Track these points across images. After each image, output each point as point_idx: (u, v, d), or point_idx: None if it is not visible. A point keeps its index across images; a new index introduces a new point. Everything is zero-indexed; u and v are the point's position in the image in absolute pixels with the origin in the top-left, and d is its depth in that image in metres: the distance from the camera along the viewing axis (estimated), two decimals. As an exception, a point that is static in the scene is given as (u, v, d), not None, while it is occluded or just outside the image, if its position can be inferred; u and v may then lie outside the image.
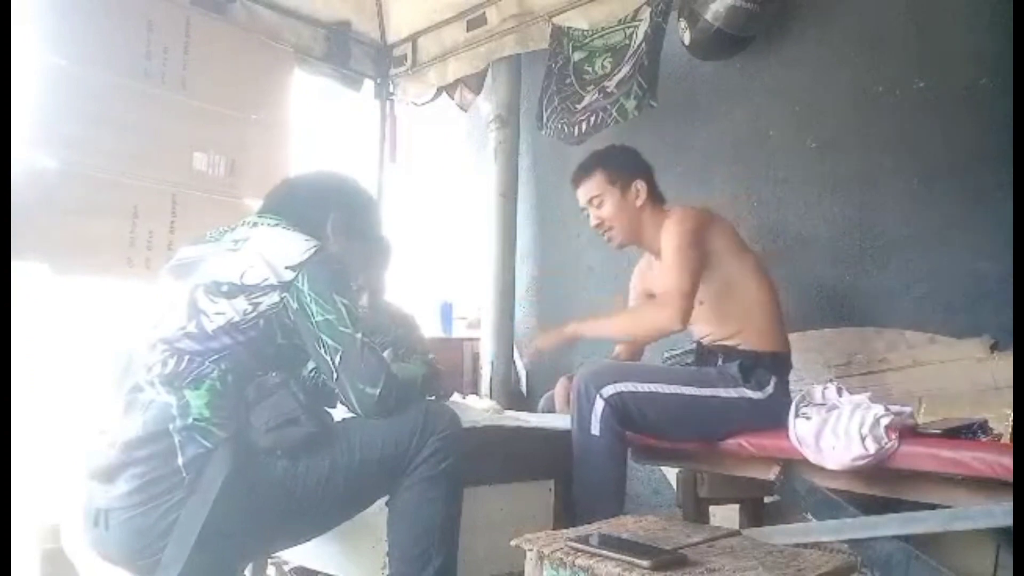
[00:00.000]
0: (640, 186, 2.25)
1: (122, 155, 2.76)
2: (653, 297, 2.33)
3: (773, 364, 2.09)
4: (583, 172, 2.31)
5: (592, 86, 3.00)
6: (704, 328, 2.21)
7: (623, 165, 2.28)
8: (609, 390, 1.94)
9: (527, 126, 3.61)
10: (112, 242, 2.73)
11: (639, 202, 2.25)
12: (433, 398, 2.05)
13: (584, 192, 2.30)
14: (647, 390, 1.97)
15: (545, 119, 3.10)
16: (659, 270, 2.23)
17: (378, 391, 1.42)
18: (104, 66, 2.73)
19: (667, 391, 1.98)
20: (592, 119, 2.88)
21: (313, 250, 1.47)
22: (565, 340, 2.23)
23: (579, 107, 2.97)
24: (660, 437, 2.09)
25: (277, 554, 1.84)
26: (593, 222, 2.30)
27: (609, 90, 2.88)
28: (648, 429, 2.03)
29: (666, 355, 2.30)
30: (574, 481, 1.96)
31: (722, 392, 2.01)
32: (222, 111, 3.06)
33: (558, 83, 3.10)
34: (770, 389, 2.04)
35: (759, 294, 2.15)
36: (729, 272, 2.14)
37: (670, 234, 2.12)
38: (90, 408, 1.48)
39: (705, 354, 2.17)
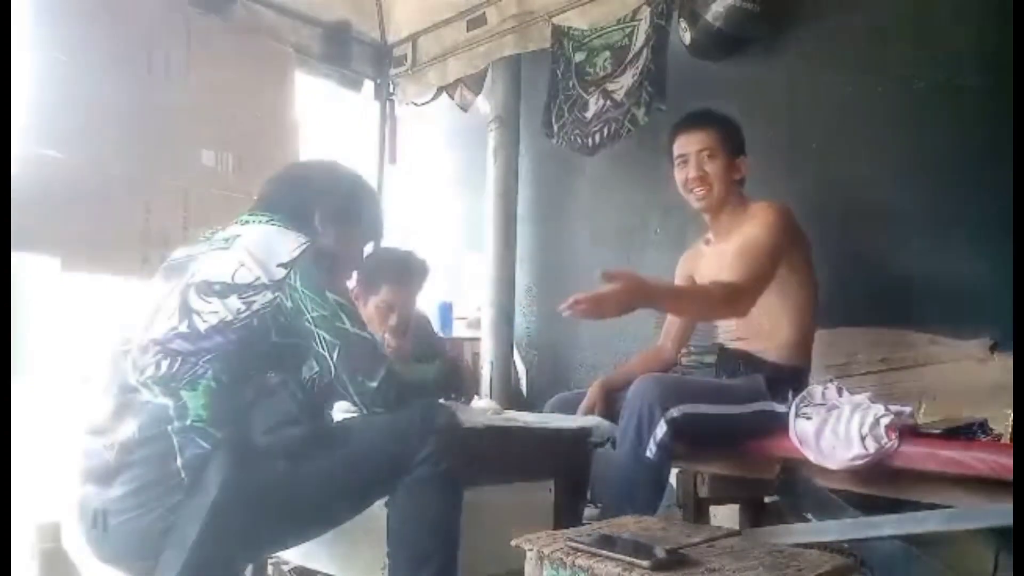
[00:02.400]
0: (744, 163, 2.21)
1: (131, 152, 2.76)
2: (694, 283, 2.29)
3: (793, 379, 2.06)
4: (699, 121, 2.21)
5: (594, 87, 3.01)
6: (741, 324, 2.17)
7: (737, 135, 2.22)
8: (675, 411, 1.83)
9: (527, 126, 3.61)
10: (125, 239, 2.74)
11: (737, 176, 2.20)
12: (455, 397, 2.02)
13: (694, 140, 2.19)
14: (706, 412, 1.89)
15: (556, 128, 3.10)
16: (730, 256, 2.08)
17: (376, 383, 1.42)
18: (108, 64, 2.73)
19: (720, 411, 1.92)
20: (605, 130, 2.90)
21: (304, 247, 1.46)
22: (630, 292, 1.85)
23: (588, 116, 2.98)
24: (695, 455, 2.04)
25: (277, 554, 1.84)
26: (692, 173, 2.18)
27: (618, 99, 2.88)
28: (694, 450, 1.97)
29: (684, 352, 2.25)
30: (603, 498, 1.89)
31: (757, 407, 1.98)
32: (225, 109, 3.07)
33: (563, 89, 3.11)
34: (791, 400, 2.01)
35: (801, 306, 2.11)
36: (784, 284, 2.08)
37: (768, 223, 2.05)
38: (88, 408, 1.48)
39: (726, 359, 2.11)
